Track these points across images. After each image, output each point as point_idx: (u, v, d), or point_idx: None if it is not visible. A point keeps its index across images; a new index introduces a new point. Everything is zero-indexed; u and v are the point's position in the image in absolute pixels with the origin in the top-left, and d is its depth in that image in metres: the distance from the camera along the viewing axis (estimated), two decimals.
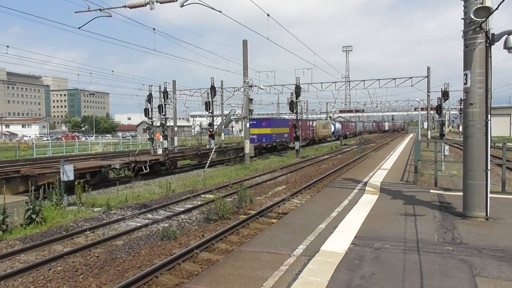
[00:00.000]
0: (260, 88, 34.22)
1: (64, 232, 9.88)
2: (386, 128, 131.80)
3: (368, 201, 10.94)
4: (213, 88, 33.89)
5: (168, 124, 36.07)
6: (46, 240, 9.23)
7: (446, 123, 65.76)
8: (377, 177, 15.79)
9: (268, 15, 17.94)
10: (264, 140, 36.63)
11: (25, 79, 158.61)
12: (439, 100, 39.17)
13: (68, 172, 13.21)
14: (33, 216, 10.59)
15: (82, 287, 6.70)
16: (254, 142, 34.39)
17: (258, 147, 35.58)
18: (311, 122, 51.09)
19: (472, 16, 8.01)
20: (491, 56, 8.32)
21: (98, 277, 7.11)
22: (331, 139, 61.29)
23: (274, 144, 38.39)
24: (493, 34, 8.23)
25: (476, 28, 8.18)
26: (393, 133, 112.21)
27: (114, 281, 6.89)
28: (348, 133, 75.35)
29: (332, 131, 62.02)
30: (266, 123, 37.86)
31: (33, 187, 12.28)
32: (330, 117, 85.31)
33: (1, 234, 9.59)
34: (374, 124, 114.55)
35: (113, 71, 70.36)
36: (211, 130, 32.91)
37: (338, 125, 66.42)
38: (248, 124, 26.90)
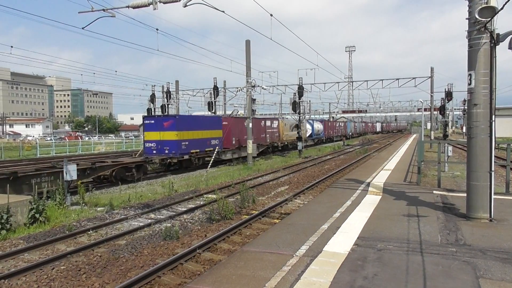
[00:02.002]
0: (263, 88, 34.23)
1: (67, 232, 9.91)
2: (378, 129, 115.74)
3: (371, 201, 10.91)
4: (215, 88, 33.93)
5: None
6: (50, 239, 9.26)
7: (450, 124, 65.54)
8: (380, 178, 15.75)
9: (271, 15, 17.93)
10: (167, 152, 22.55)
11: (29, 79, 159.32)
12: (442, 101, 39.06)
13: (71, 172, 13.25)
14: (37, 215, 10.62)
15: (85, 286, 6.71)
16: (150, 154, 22.77)
17: (157, 161, 23.39)
18: (268, 122, 35.75)
19: (477, 16, 7.97)
20: (495, 57, 8.28)
21: (101, 276, 7.12)
22: (306, 144, 44.21)
23: (188, 157, 23.76)
24: (497, 34, 8.19)
25: (480, 28, 8.14)
26: (390, 135, 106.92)
27: (116, 281, 6.90)
28: (334, 135, 63.07)
29: (309, 133, 48.76)
30: (170, 122, 22.89)
31: (36, 187, 12.32)
32: (333, 117, 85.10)
33: (5, 233, 9.63)
34: (363, 125, 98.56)
35: (116, 71, 70.59)
36: None
37: (318, 126, 52.32)
38: (250, 124, 26.88)
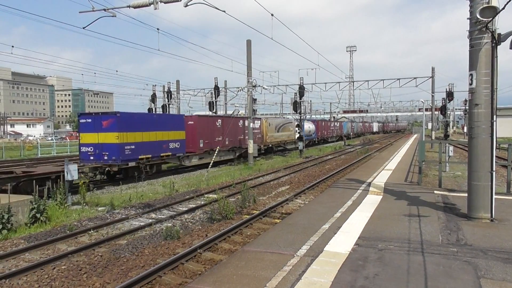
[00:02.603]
0: (263, 88, 34.25)
1: (68, 231, 9.92)
2: (375, 129, 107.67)
3: (372, 201, 10.90)
4: (216, 88, 33.96)
5: None
6: (51, 239, 9.27)
7: (451, 124, 65.51)
8: (381, 178, 15.74)
9: (272, 15, 17.93)
10: (106, 158, 18.23)
11: (29, 79, 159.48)
12: (443, 101, 39.04)
13: (72, 172, 13.25)
14: (38, 215, 10.64)
15: (86, 286, 6.72)
16: (87, 160, 18.55)
17: (87, 170, 17.96)
18: (246, 122, 29.21)
19: (478, 16, 7.96)
20: (497, 57, 8.27)
21: (102, 276, 7.13)
22: (292, 148, 39.80)
23: (134, 164, 19.21)
24: (499, 34, 8.18)
25: (482, 28, 8.13)
26: (390, 135, 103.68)
27: (117, 280, 6.90)
28: (329, 136, 58.70)
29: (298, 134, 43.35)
30: (110, 121, 18.47)
31: (37, 186, 12.32)
32: (334, 117, 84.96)
33: (6, 233, 9.64)
34: (361, 125, 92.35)
35: (117, 71, 70.38)
36: None
37: (309, 127, 46.96)
38: (251, 124, 26.89)
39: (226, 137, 27.41)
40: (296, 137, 38.51)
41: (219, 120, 27.15)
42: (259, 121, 33.16)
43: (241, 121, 30.48)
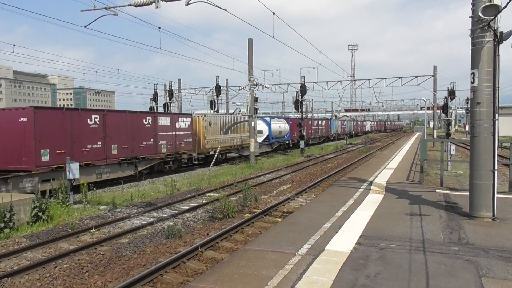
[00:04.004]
0: (265, 86, 34.23)
1: (70, 230, 9.94)
2: (368, 128, 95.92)
3: (373, 200, 10.90)
4: (218, 87, 33.99)
5: None
6: (52, 237, 9.30)
7: (453, 123, 65.41)
8: (383, 177, 15.72)
9: (273, 13, 17.90)
10: None
11: (31, 77, 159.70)
12: (445, 99, 38.97)
13: (74, 170, 13.27)
14: (40, 214, 10.66)
15: (87, 284, 6.73)
16: None
17: None
18: (165, 120, 21.49)
19: (480, 14, 7.93)
20: (499, 55, 8.24)
21: (104, 274, 7.14)
22: (246, 154, 29.09)
23: None
24: (501, 33, 8.15)
25: (484, 26, 8.10)
26: (391, 134, 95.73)
27: (119, 279, 6.92)
28: (310, 137, 46.81)
29: (264, 136, 34.59)
30: None
31: (39, 184, 12.35)
32: (336, 116, 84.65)
33: (8, 232, 9.67)
34: (355, 123, 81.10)
35: (118, 69, 70.59)
36: None
37: (279, 126, 36.97)
38: (253, 123, 26.89)
39: (113, 143, 17.70)
40: (262, 140, 33.00)
41: (94, 117, 16.88)
42: (188, 118, 23.59)
43: (148, 118, 20.15)
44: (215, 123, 26.72)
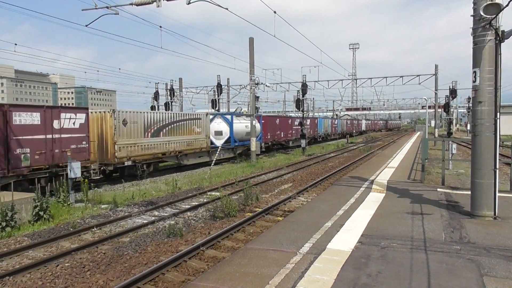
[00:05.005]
0: (266, 85, 34.27)
1: (71, 229, 9.95)
2: (363, 127, 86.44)
3: (374, 199, 10.89)
4: (219, 86, 33.99)
5: None
6: (54, 236, 9.31)
7: (454, 122, 65.32)
8: (384, 175, 15.71)
9: (275, 12, 17.88)
10: None
11: (32, 76, 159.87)
12: (446, 98, 38.92)
13: (75, 169, 13.28)
14: (41, 213, 10.68)
15: (89, 283, 6.75)
16: None
17: None
18: (29, 115, 13.85)
19: (482, 13, 7.91)
20: (500, 54, 8.22)
21: (105, 273, 7.16)
22: (204, 161, 24.98)
23: None
24: (503, 31, 8.13)
25: (485, 25, 8.09)
26: (392, 133, 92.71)
27: (120, 278, 6.93)
28: (290, 138, 39.80)
29: (225, 138, 27.80)
30: None
31: (39, 184, 12.37)
32: (337, 115, 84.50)
33: (9, 231, 9.69)
34: (348, 123, 71.69)
35: (120, 68, 70.65)
36: None
37: (246, 126, 29.40)
38: (254, 122, 26.89)
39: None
40: (222, 143, 26.62)
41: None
42: (81, 115, 16.32)
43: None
44: (135, 122, 19.59)
